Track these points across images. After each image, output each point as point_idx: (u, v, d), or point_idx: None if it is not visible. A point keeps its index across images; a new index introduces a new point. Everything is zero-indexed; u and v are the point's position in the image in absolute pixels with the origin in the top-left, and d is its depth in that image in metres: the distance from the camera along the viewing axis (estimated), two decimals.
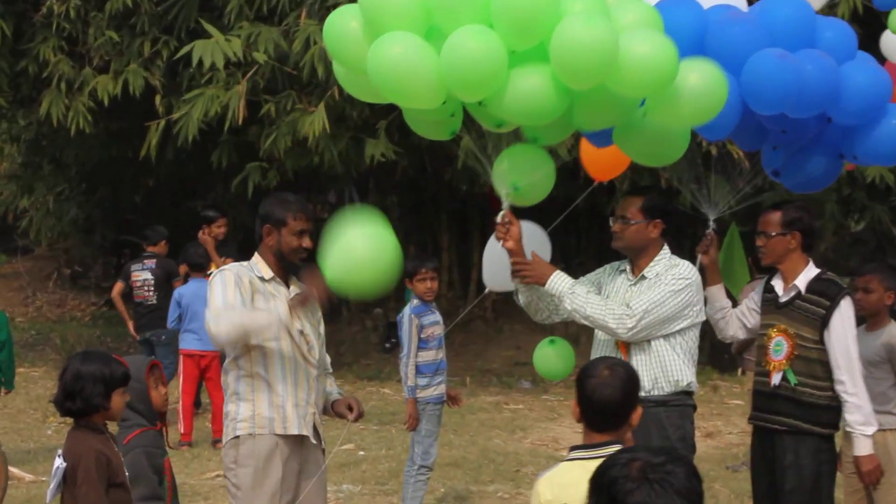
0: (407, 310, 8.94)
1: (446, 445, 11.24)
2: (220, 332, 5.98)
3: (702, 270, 6.85)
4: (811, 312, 6.63)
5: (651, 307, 6.26)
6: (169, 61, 14.89)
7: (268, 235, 6.20)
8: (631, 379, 4.61)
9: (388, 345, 17.79)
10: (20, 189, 21.46)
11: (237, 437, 6.18)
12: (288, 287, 6.27)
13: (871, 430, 6.62)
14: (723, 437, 11.88)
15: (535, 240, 6.58)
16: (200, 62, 13.69)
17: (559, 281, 6.33)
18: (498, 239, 6.35)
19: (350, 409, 6.41)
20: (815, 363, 6.60)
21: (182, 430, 12.30)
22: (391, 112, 14.21)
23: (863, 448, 6.64)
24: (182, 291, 12.72)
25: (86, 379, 5.47)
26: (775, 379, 6.65)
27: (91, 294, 22.83)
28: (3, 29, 15.02)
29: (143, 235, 14.41)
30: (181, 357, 12.54)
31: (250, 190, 15.17)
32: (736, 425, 12.84)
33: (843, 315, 6.61)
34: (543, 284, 6.33)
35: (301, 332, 6.22)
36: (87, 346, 17.91)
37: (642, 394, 5.27)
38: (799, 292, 6.70)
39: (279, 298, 6.15)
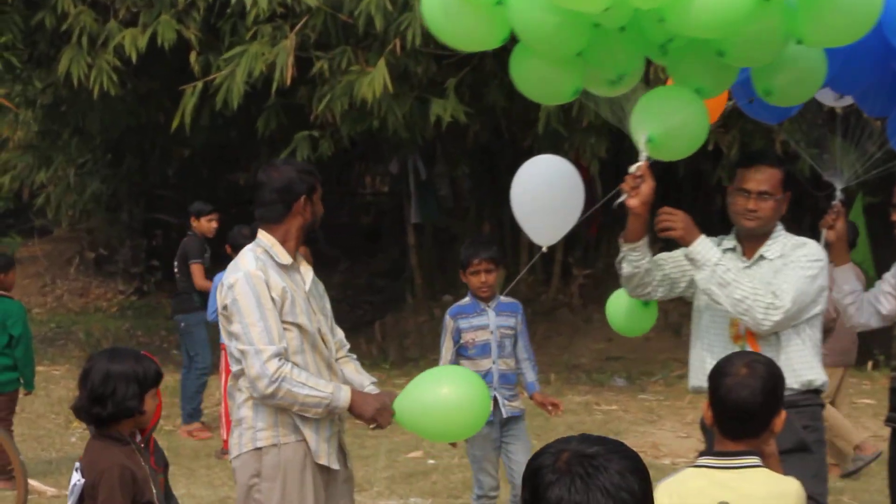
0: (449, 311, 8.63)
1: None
2: (268, 392, 5.96)
3: (826, 248, 6.78)
4: None
5: (797, 296, 6.05)
6: (206, 12, 14.83)
7: (304, 209, 6.24)
8: (773, 378, 4.56)
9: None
10: (37, 161, 21.37)
11: (258, 448, 6.11)
12: (299, 268, 6.28)
13: None
14: None
15: (567, 186, 6.49)
16: (242, 12, 13.72)
17: (708, 247, 6.14)
18: (624, 192, 6.13)
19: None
20: None
21: (225, 437, 12.36)
22: (462, 67, 14.18)
23: None
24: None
25: (117, 379, 5.41)
26: None
27: (118, 281, 23.00)
28: None
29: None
30: (223, 353, 12.56)
31: None
32: (867, 428, 12.71)
33: None
34: (688, 243, 6.15)
35: (319, 332, 6.21)
36: (114, 342, 18.11)
37: None
38: None
39: (298, 293, 6.15)
